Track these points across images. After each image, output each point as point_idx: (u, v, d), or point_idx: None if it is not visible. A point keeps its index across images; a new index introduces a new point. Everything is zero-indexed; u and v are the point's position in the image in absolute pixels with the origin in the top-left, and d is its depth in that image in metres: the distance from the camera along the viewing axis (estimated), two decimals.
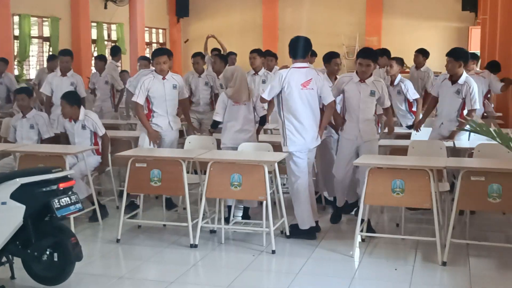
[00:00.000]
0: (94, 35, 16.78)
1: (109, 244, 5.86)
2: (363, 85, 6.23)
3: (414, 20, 19.27)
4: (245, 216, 6.52)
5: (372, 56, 6.25)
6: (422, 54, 10.23)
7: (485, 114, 9.10)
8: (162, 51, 6.94)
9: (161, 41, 21.14)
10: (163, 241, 5.93)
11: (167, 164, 5.88)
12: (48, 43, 15.34)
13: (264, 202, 5.64)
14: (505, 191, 5.11)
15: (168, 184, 5.88)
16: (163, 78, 6.75)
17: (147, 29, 19.48)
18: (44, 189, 4.50)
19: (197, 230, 5.75)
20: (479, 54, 16.48)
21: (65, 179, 4.63)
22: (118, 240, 5.86)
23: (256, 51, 8.99)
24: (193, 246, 5.73)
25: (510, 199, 5.14)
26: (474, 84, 6.74)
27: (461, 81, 6.70)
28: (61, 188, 4.55)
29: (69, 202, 4.59)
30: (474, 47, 17.61)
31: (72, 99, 6.70)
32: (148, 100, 6.73)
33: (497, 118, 9.38)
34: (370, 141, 6.30)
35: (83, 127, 6.70)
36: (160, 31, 21.18)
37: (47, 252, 4.52)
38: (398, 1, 19.60)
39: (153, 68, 7.11)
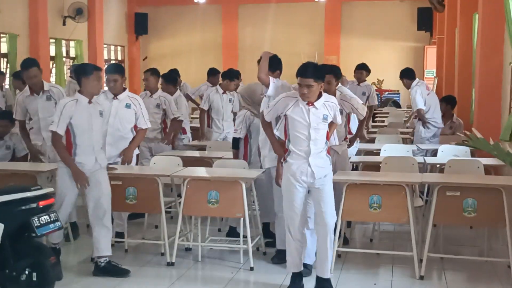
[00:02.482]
0: (52, 52, 16.56)
1: (84, 264, 5.74)
2: (312, 109, 4.83)
3: (372, 39, 19.65)
4: (267, 233, 6.28)
5: (314, 75, 4.76)
6: (366, 70, 10.56)
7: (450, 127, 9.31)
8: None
9: (119, 58, 20.99)
10: (138, 259, 5.85)
11: (143, 182, 5.82)
12: (5, 59, 15.05)
13: (242, 219, 5.65)
14: (479, 206, 5.23)
15: (144, 202, 5.82)
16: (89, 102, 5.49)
17: (106, 46, 19.31)
18: (23, 207, 4.41)
19: (174, 248, 5.70)
20: (435, 73, 17.03)
21: (45, 197, 4.54)
22: (92, 259, 5.76)
23: (227, 77, 9.02)
24: (170, 264, 5.68)
25: (485, 214, 5.26)
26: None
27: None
28: (41, 206, 4.47)
29: (49, 220, 4.51)
30: (430, 66, 18.09)
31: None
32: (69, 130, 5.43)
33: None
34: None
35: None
36: (119, 48, 21.03)
37: (26, 272, 4.41)
38: (355, 22, 19.96)
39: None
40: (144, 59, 20.66)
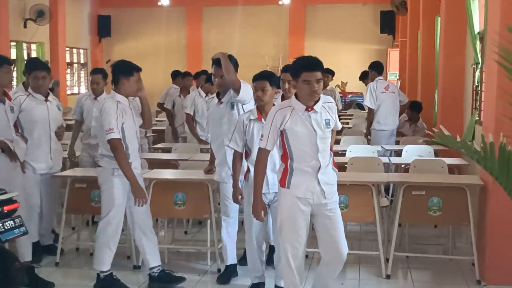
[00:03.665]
0: (13, 55, 16.27)
1: (48, 268, 5.64)
2: (313, 114, 4.10)
3: (335, 42, 19.81)
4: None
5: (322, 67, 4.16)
6: (331, 74, 10.72)
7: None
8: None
9: (82, 61, 20.75)
10: None
11: None
12: None
13: (209, 221, 5.62)
14: (444, 205, 5.31)
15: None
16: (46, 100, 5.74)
17: (68, 49, 19.08)
18: None
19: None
20: (398, 75, 17.24)
21: (9, 201, 4.43)
22: (57, 264, 5.66)
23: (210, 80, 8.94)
24: (137, 267, 5.62)
25: (449, 212, 5.34)
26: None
27: None
28: (5, 211, 4.35)
29: (13, 225, 4.39)
30: (393, 68, 18.31)
31: None
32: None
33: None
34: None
35: None
36: (82, 51, 20.79)
37: None
38: (319, 24, 20.11)
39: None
40: (107, 62, 20.43)
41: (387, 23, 18.81)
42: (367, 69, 9.69)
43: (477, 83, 7.58)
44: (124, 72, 5.07)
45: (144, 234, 5.17)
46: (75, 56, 20.44)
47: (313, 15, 20.22)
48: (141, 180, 5.17)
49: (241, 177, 4.88)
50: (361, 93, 18.23)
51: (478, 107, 7.52)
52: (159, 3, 19.66)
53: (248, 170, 4.80)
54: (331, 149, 4.20)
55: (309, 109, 4.07)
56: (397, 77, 17.34)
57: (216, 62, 5.16)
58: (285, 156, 4.14)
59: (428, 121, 10.42)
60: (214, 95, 5.45)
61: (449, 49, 8.55)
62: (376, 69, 9.14)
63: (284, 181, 4.13)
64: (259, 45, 19.80)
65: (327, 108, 4.16)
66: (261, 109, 4.81)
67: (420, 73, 12.15)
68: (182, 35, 20.79)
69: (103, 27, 20.87)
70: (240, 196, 4.86)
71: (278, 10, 20.14)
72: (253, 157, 4.54)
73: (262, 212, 4.24)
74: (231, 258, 5.32)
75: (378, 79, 8.93)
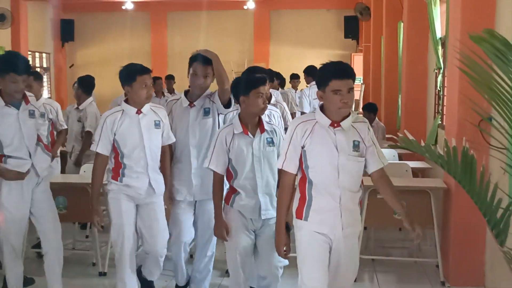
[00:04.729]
0: None
1: None
2: (339, 132, 3.44)
3: (300, 47, 19.93)
4: None
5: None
6: (297, 78, 10.89)
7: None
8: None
9: (45, 65, 20.47)
10: (69, 270, 5.69)
11: (73, 191, 5.70)
12: None
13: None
14: (408, 208, 5.27)
15: (75, 211, 5.69)
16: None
17: (30, 53, 18.81)
18: None
19: (106, 258, 5.59)
20: (362, 79, 17.42)
21: None
22: None
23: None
24: (102, 274, 5.57)
25: (414, 216, 5.30)
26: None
27: None
28: None
29: None
30: (357, 73, 18.34)
31: None
32: None
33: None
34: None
35: None
36: (44, 55, 20.51)
37: None
38: (284, 30, 20.22)
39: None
40: (70, 67, 20.25)
41: (351, 29, 18.98)
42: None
43: (439, 87, 7.71)
44: (126, 78, 4.45)
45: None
46: (37, 60, 20.16)
47: (278, 21, 20.33)
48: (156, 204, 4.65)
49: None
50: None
51: (440, 111, 7.65)
52: (123, 8, 19.52)
53: (233, 191, 4.16)
54: (362, 183, 3.51)
55: (335, 125, 3.41)
56: (361, 82, 17.52)
57: (203, 59, 4.57)
58: (303, 180, 3.49)
59: (392, 126, 10.56)
60: (178, 95, 4.85)
61: (412, 54, 8.69)
62: (312, 73, 9.27)
63: (301, 211, 3.49)
64: (224, 50, 19.75)
65: (357, 129, 3.47)
66: (245, 119, 4.12)
67: (383, 77, 12.30)
68: (146, 40, 20.68)
69: (66, 32, 20.63)
70: (225, 230, 4.12)
71: (243, 15, 20.18)
72: (242, 181, 4.08)
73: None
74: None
75: (313, 85, 9.06)
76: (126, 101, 4.53)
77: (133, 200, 4.56)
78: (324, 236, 3.45)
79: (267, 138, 4.14)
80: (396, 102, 10.87)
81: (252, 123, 4.13)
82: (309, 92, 8.92)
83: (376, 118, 9.57)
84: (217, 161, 4.12)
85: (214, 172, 4.14)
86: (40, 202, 4.76)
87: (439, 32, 7.50)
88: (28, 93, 4.85)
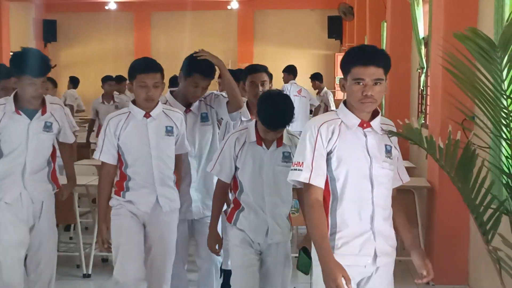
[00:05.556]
0: None
1: None
2: (369, 134, 2.82)
3: (284, 47, 19.95)
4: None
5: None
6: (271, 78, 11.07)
7: None
8: None
9: None
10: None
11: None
12: None
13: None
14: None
15: (57, 212, 5.62)
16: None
17: (12, 53, 18.65)
18: None
19: (90, 259, 5.56)
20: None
21: None
22: None
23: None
24: (86, 276, 5.53)
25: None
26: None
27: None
28: None
29: None
30: (341, 73, 18.48)
31: None
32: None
33: None
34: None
35: None
36: None
37: None
38: (268, 30, 20.23)
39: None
40: (53, 67, 19.96)
41: (335, 29, 19.03)
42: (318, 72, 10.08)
43: (423, 87, 7.74)
44: (129, 74, 3.92)
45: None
46: None
47: (262, 21, 20.33)
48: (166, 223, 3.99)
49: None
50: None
51: (423, 110, 7.68)
52: (106, 8, 19.43)
53: (237, 206, 3.62)
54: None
55: (365, 125, 2.80)
56: None
57: (206, 71, 4.03)
58: (327, 194, 2.77)
59: None
60: (164, 98, 4.21)
61: (395, 54, 8.70)
62: (291, 72, 9.63)
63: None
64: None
65: (386, 132, 2.88)
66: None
67: None
68: (130, 41, 20.59)
69: (48, 32, 20.48)
70: (217, 245, 3.74)
71: (227, 16, 20.16)
72: (248, 198, 3.56)
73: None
74: None
75: (292, 82, 9.40)
76: (134, 102, 3.90)
77: (139, 217, 3.89)
78: (355, 268, 2.73)
79: (283, 153, 3.55)
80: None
81: (271, 135, 3.53)
82: (290, 88, 9.07)
83: None
84: (221, 167, 3.61)
85: (218, 179, 3.69)
86: (39, 231, 4.21)
87: (422, 32, 7.54)
88: (52, 99, 4.26)
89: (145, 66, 3.83)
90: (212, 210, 3.75)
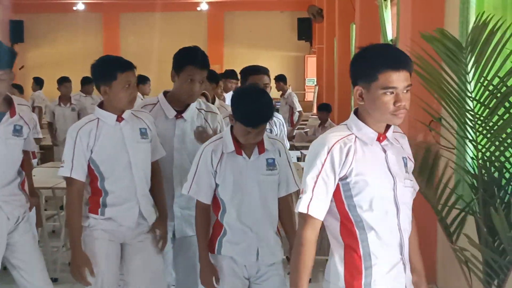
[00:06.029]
0: None
1: None
2: (388, 148, 2.40)
3: (255, 49, 19.96)
4: None
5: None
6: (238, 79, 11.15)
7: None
8: None
9: None
10: None
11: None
12: None
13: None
14: None
15: None
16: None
17: None
18: None
19: (58, 263, 5.49)
20: (315, 81, 17.55)
21: None
22: None
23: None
24: (53, 280, 5.44)
25: None
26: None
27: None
28: None
29: None
30: (311, 74, 18.65)
31: None
32: None
33: None
34: None
35: None
36: None
37: None
38: (238, 31, 20.23)
39: None
40: (20, 68, 19.76)
41: (305, 30, 19.12)
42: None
43: None
44: (102, 76, 3.44)
45: None
46: None
47: (232, 22, 20.32)
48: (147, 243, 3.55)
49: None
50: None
51: None
52: (74, 8, 19.23)
53: (218, 230, 3.17)
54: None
55: (381, 139, 2.36)
56: (315, 83, 17.65)
57: (201, 62, 3.68)
58: (351, 226, 2.33)
59: None
60: (153, 99, 3.80)
61: None
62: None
63: (351, 275, 2.32)
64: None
65: (400, 142, 2.46)
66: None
67: (336, 79, 12.42)
68: (99, 42, 20.41)
69: (15, 33, 20.18)
70: (213, 277, 3.19)
71: (196, 17, 20.11)
72: (232, 217, 3.12)
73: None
74: None
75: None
76: (101, 106, 3.46)
77: (117, 238, 3.46)
78: None
79: (267, 160, 3.14)
80: (349, 103, 10.99)
81: (250, 136, 3.10)
82: None
83: (329, 120, 9.69)
84: (198, 186, 3.15)
85: (197, 201, 3.21)
86: (22, 247, 3.67)
87: (390, 34, 7.60)
88: (18, 100, 3.68)
89: (125, 63, 3.44)
90: (198, 241, 3.22)
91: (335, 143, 2.29)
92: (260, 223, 3.12)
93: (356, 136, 2.32)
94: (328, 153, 2.27)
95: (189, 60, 3.66)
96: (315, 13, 16.61)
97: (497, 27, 2.85)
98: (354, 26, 10.12)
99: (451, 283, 4.99)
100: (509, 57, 2.83)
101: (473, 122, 2.90)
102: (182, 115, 3.66)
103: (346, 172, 2.28)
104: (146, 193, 3.50)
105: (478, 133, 2.90)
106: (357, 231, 2.30)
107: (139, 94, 8.42)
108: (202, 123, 3.73)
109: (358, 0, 9.06)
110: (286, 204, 3.24)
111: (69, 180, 3.39)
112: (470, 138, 2.95)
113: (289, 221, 3.26)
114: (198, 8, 19.38)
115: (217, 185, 3.13)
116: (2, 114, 3.56)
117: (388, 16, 7.65)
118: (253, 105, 3.03)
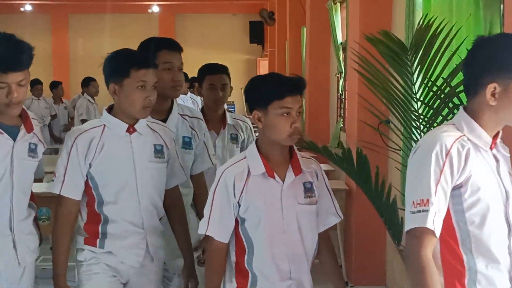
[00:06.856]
0: None
1: None
2: (501, 157, 2.07)
3: (206, 51, 19.82)
4: None
5: None
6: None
7: None
8: None
9: None
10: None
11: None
12: None
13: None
14: None
15: None
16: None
17: None
18: None
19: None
20: None
21: None
22: None
23: None
24: None
25: None
26: None
27: None
28: None
29: None
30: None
31: None
32: None
33: None
34: None
35: None
36: None
37: None
38: (190, 34, 20.10)
39: None
40: None
41: (256, 33, 19.16)
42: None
43: (341, 91, 7.87)
44: (113, 71, 2.89)
45: None
46: None
47: (183, 25, 20.20)
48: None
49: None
50: (233, 102, 18.45)
51: (342, 114, 7.80)
52: (21, 9, 18.82)
53: (243, 278, 2.48)
54: None
55: (493, 145, 2.04)
56: None
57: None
58: (456, 245, 1.98)
59: None
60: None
61: (315, 59, 8.83)
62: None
63: None
64: None
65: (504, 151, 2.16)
66: (268, 150, 2.46)
67: None
68: (47, 44, 19.99)
69: None
70: None
71: (147, 19, 19.91)
72: (265, 261, 2.44)
73: None
74: None
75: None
76: (110, 111, 2.84)
77: (119, 273, 2.81)
78: None
79: (304, 185, 2.49)
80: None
81: (280, 157, 2.47)
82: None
83: None
84: (219, 224, 2.43)
85: (211, 240, 2.47)
86: None
87: (340, 37, 7.67)
88: (28, 111, 2.88)
89: (142, 59, 2.89)
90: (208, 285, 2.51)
91: (453, 143, 1.92)
92: (301, 267, 2.52)
93: (468, 138, 1.97)
94: (447, 156, 1.90)
95: (161, 45, 3.39)
96: (266, 16, 16.67)
97: (440, 28, 2.89)
98: (305, 29, 10.17)
99: (399, 283, 5.05)
100: (453, 58, 2.87)
101: (417, 123, 2.93)
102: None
103: (463, 181, 1.91)
104: (156, 226, 2.85)
105: (423, 134, 2.93)
106: (463, 254, 1.95)
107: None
108: (188, 132, 3.16)
109: (308, 4, 9.10)
110: (327, 241, 2.62)
111: (59, 198, 2.77)
112: (415, 139, 2.98)
113: (332, 260, 2.69)
114: (149, 11, 19.21)
115: (242, 219, 2.43)
116: (16, 129, 2.77)
117: (338, 19, 7.71)
118: (280, 76, 2.58)
